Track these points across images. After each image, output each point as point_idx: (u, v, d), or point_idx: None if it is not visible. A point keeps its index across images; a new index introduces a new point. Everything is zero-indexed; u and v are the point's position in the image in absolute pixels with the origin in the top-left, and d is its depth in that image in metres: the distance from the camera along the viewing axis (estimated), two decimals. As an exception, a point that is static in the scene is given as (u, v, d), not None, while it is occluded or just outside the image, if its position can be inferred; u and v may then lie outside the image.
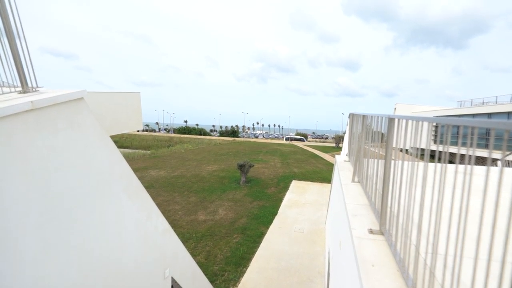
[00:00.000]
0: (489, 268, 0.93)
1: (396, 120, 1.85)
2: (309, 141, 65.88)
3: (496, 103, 24.39)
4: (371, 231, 2.15)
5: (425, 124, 1.36)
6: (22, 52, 2.72)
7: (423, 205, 1.41)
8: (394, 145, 1.97)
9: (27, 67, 2.78)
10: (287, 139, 65.36)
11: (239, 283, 7.91)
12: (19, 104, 2.24)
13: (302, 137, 66.92)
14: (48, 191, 2.47)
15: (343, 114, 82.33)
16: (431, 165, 1.33)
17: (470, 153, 1.01)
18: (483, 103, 26.46)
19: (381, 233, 2.11)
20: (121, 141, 47.70)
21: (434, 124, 1.26)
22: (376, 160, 2.51)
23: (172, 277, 4.68)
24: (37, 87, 2.90)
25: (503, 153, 1.02)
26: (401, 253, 1.65)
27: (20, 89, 2.83)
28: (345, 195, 3.06)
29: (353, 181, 3.64)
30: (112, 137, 3.59)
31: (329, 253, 6.08)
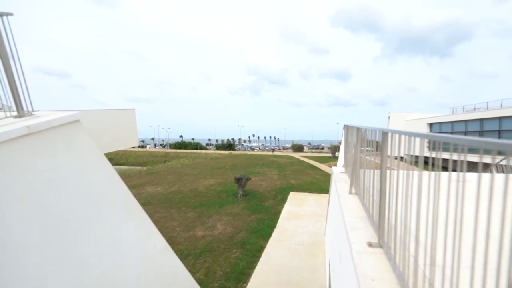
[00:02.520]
0: (486, 277, 0.95)
1: (389, 134, 1.90)
2: (305, 152, 65.84)
3: (488, 108, 24.84)
4: (370, 245, 2.15)
5: (417, 139, 1.40)
6: (17, 76, 2.75)
7: (419, 216, 1.43)
8: (388, 158, 2.00)
9: (22, 91, 2.81)
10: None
11: (240, 300, 7.77)
12: (15, 129, 2.25)
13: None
14: (47, 214, 2.46)
15: (338, 124, 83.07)
16: (425, 174, 1.36)
17: (462, 160, 1.04)
18: (474, 109, 26.93)
19: (380, 246, 2.11)
20: (116, 158, 47.44)
21: (427, 140, 1.30)
22: (372, 172, 2.54)
23: (171, 297, 4.60)
24: (33, 110, 2.92)
25: (493, 159, 1.05)
26: (400, 266, 1.66)
27: (14, 113, 2.85)
28: (343, 208, 3.07)
29: (350, 193, 3.65)
30: (107, 154, 3.60)
31: (329, 265, 6.03)
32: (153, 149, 71.55)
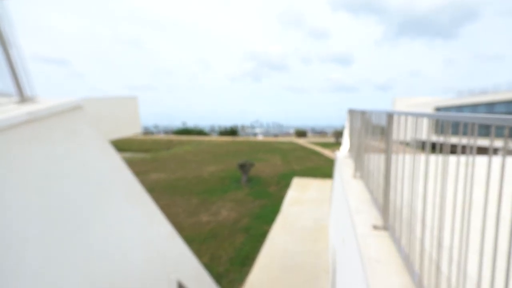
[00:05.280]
0: (495, 260, 0.92)
1: (396, 117, 1.85)
2: (308, 137, 65.70)
3: (496, 91, 24.32)
4: (374, 227, 2.14)
5: (425, 119, 1.35)
6: (17, 59, 2.70)
7: (426, 199, 1.41)
8: (394, 141, 1.96)
9: (23, 77, 2.77)
10: None
11: (244, 283, 7.91)
12: (16, 115, 2.22)
13: None
14: (49, 202, 2.46)
15: (341, 110, 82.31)
16: (433, 157, 1.32)
17: (471, 145, 1.00)
18: (481, 92, 26.42)
19: (385, 228, 2.10)
20: (120, 145, 47.61)
21: (434, 120, 1.26)
22: (377, 155, 2.51)
23: (178, 281, 4.68)
24: (34, 96, 2.89)
25: (504, 143, 1.01)
26: (406, 248, 1.65)
27: (16, 99, 2.82)
28: (347, 192, 3.05)
29: (354, 177, 3.63)
30: (111, 141, 3.58)
31: (333, 249, 6.09)
32: (158, 136, 72.22)
